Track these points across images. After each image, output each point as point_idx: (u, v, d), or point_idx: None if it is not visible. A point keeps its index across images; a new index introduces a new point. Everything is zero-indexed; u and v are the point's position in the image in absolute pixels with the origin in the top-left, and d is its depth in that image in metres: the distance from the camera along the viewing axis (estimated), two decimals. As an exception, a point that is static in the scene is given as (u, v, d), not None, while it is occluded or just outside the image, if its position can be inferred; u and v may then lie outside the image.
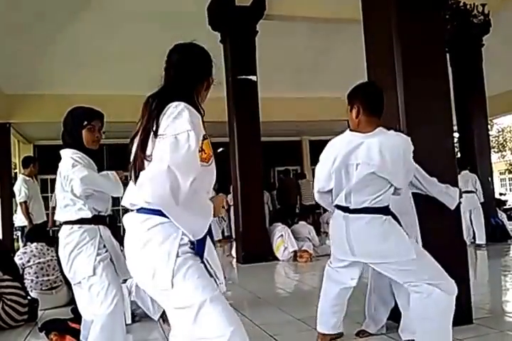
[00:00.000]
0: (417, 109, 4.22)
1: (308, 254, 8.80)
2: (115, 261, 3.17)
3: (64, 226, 3.16)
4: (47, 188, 12.97)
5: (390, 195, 3.36)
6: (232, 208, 12.14)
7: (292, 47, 11.72)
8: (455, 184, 4.25)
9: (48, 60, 10.72)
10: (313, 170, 4.50)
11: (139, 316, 4.92)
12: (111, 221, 3.40)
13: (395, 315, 3.78)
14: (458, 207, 4.23)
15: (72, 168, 3.07)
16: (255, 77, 9.01)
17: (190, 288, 1.97)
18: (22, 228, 8.45)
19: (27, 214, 7.98)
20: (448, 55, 5.29)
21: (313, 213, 11.04)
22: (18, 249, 7.13)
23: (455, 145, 5.10)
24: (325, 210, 11.45)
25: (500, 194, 22.62)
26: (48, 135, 12.96)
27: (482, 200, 9.88)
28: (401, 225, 3.37)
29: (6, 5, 8.87)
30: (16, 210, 10.07)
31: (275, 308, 5.24)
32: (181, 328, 2.04)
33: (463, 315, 4.14)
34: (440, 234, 4.09)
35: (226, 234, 14.58)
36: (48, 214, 8.73)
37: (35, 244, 6.02)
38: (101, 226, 3.19)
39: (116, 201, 2.96)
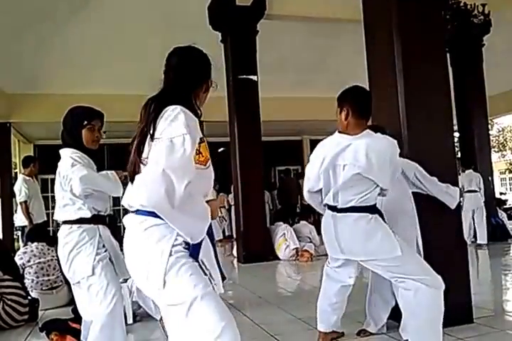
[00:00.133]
0: (417, 109, 4.23)
1: (309, 254, 8.81)
2: (114, 260, 3.17)
3: (63, 226, 3.15)
4: (47, 188, 12.97)
5: (376, 195, 3.44)
6: (233, 208, 12.17)
7: (293, 46, 11.71)
8: (455, 183, 4.26)
9: (48, 60, 10.71)
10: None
11: (140, 316, 4.93)
12: (110, 220, 3.39)
13: (396, 315, 3.77)
14: (458, 206, 4.24)
15: (71, 167, 3.07)
16: (256, 76, 9.01)
17: (182, 285, 1.99)
18: (22, 228, 8.44)
19: (27, 213, 7.98)
20: (448, 55, 5.30)
21: (314, 213, 11.00)
22: (18, 249, 7.13)
23: (455, 144, 5.10)
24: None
25: (501, 193, 22.66)
26: (48, 135, 12.96)
27: (483, 200, 9.90)
28: (386, 222, 3.45)
29: (6, 5, 8.86)
30: (16, 210, 10.06)
31: (276, 308, 5.24)
32: (174, 325, 2.05)
33: (463, 314, 4.16)
34: (440, 233, 4.10)
35: (227, 233, 14.60)
36: (48, 214, 8.76)
37: (35, 243, 6.02)
38: (100, 226, 3.18)
39: (116, 201, 2.96)
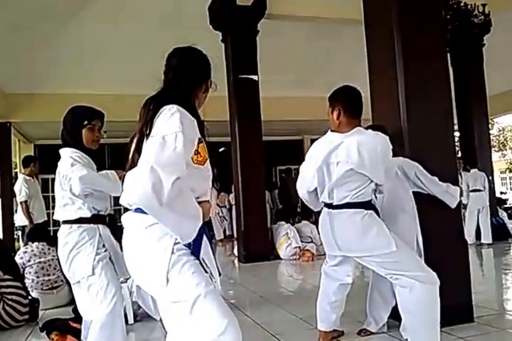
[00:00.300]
0: (418, 109, 4.22)
1: (310, 253, 8.82)
2: (114, 260, 3.16)
3: (63, 226, 3.15)
4: (48, 188, 12.96)
5: (371, 191, 3.48)
6: (233, 207, 12.17)
7: (293, 46, 11.70)
8: (455, 183, 4.26)
9: (48, 60, 10.71)
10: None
11: (140, 316, 4.93)
12: (110, 220, 3.39)
13: (396, 314, 3.76)
14: (459, 205, 4.24)
15: (71, 167, 3.07)
16: (256, 76, 9.00)
17: (186, 282, 2.00)
18: (22, 227, 8.44)
19: (27, 213, 7.98)
20: (449, 55, 5.29)
21: (315, 212, 11.03)
22: (18, 249, 7.13)
23: (456, 144, 5.10)
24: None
25: (501, 193, 22.63)
26: (48, 134, 12.96)
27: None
28: (381, 219, 3.48)
29: (6, 5, 8.87)
30: (16, 210, 10.07)
31: (277, 307, 5.25)
32: (176, 322, 2.05)
33: (464, 313, 4.16)
34: (441, 232, 4.11)
35: (228, 233, 14.59)
36: (48, 214, 8.76)
37: (36, 243, 6.02)
38: (100, 226, 3.18)
39: (117, 200, 2.96)
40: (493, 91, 12.43)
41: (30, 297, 5.28)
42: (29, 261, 5.77)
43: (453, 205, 4.14)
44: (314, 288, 4.68)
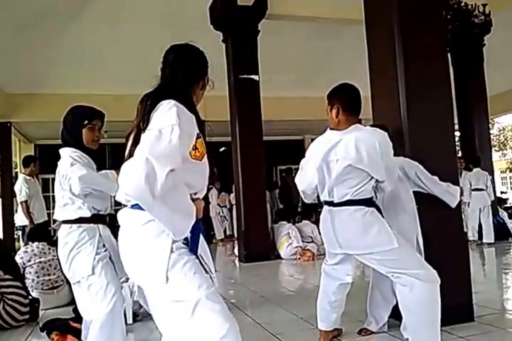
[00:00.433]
0: (418, 108, 4.22)
1: (311, 253, 8.83)
2: (114, 260, 3.16)
3: (63, 226, 3.15)
4: (48, 188, 12.96)
5: (371, 188, 3.46)
6: (234, 207, 12.17)
7: (294, 46, 11.71)
8: (456, 182, 4.26)
9: (48, 60, 10.72)
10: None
11: (141, 316, 4.93)
12: (111, 220, 3.39)
13: (397, 313, 3.76)
14: (459, 205, 4.24)
15: (70, 166, 3.07)
16: (257, 76, 9.01)
17: (188, 282, 1.99)
18: (23, 227, 8.43)
19: (28, 213, 7.97)
20: (449, 55, 5.29)
21: (315, 212, 11.02)
22: (18, 249, 7.13)
23: (456, 143, 5.10)
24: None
25: (502, 192, 22.61)
26: (48, 134, 12.98)
27: (492, 198, 9.93)
28: (383, 217, 3.47)
29: (7, 5, 8.87)
30: (16, 210, 10.07)
31: (277, 307, 5.25)
32: (176, 324, 2.04)
33: (464, 312, 4.16)
34: (441, 232, 4.11)
35: (228, 232, 14.61)
36: (48, 214, 8.76)
37: (36, 243, 6.02)
38: (100, 226, 3.18)
39: (117, 200, 2.96)
40: (493, 91, 12.44)
41: (30, 297, 5.28)
42: (29, 260, 5.77)
43: (453, 205, 4.14)
44: (315, 288, 4.68)
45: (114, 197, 3.24)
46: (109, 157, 14.04)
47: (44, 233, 6.61)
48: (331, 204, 3.52)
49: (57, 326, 4.43)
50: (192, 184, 2.11)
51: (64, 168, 3.11)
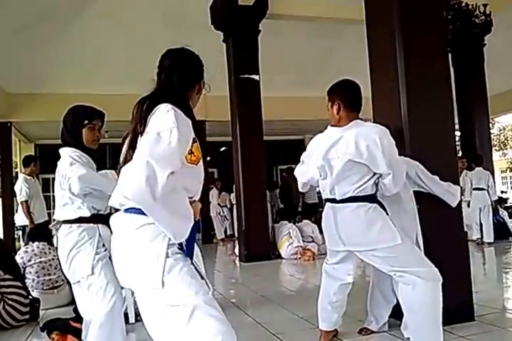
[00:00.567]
0: (419, 108, 4.22)
1: (311, 252, 8.83)
2: (114, 260, 3.17)
3: (63, 225, 3.14)
4: (48, 187, 12.96)
5: (373, 184, 3.44)
6: (234, 207, 12.18)
7: (295, 46, 11.71)
8: (456, 182, 4.26)
9: (49, 59, 10.72)
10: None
11: (142, 315, 4.92)
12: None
13: (397, 313, 3.77)
14: (459, 205, 4.24)
15: (70, 166, 3.07)
16: (258, 76, 9.02)
17: (185, 287, 1.98)
18: (23, 227, 8.44)
19: (28, 213, 7.97)
20: (450, 55, 5.29)
21: (316, 211, 11.04)
22: (19, 249, 7.13)
23: (457, 143, 5.10)
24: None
25: (502, 192, 22.60)
26: (49, 134, 12.97)
27: (495, 198, 9.94)
28: (388, 214, 3.45)
29: (7, 5, 8.87)
30: (16, 209, 10.07)
31: (278, 307, 5.24)
32: (172, 328, 2.00)
33: (465, 312, 4.16)
34: (441, 231, 4.11)
35: (229, 232, 14.63)
36: (49, 214, 8.77)
37: (36, 243, 6.02)
38: (100, 225, 3.17)
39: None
40: (493, 91, 12.44)
41: (30, 297, 5.28)
42: (30, 260, 5.77)
43: (454, 204, 4.14)
44: (315, 288, 4.69)
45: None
46: (110, 157, 14.03)
47: (44, 233, 6.61)
48: (333, 201, 3.51)
49: (57, 326, 4.42)
50: (188, 188, 2.11)
51: (63, 167, 3.11)
